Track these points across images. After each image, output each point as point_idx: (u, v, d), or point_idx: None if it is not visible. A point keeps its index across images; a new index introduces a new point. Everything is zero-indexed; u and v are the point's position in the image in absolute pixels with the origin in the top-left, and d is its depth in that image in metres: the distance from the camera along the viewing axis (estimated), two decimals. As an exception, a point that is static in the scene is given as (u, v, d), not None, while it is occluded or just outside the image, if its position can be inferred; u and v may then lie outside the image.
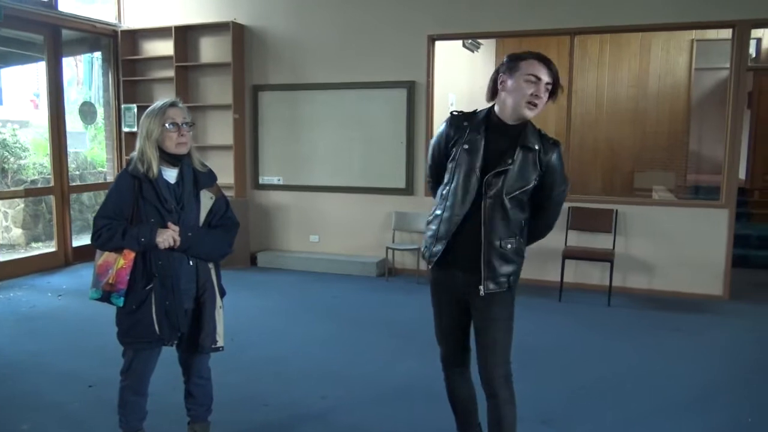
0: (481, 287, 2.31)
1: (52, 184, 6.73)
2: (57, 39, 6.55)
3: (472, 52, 7.90)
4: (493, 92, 2.35)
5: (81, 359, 3.93)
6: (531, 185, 2.31)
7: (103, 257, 2.51)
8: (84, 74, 8.33)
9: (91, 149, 8.66)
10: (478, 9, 5.98)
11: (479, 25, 6.04)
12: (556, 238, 5.86)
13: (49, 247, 7.05)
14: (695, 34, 7.90)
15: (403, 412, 3.30)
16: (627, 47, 8.28)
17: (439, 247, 2.40)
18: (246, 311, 5.21)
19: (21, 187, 7.30)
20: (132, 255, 2.46)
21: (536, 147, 2.30)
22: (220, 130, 6.97)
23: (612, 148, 8.49)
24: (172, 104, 2.53)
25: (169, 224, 2.47)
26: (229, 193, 6.84)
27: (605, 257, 5.49)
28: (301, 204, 6.86)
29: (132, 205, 2.50)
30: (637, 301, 5.51)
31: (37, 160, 8.11)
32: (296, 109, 6.76)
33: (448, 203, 2.37)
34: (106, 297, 2.49)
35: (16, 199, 7.55)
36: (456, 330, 2.53)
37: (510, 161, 2.28)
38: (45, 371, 3.81)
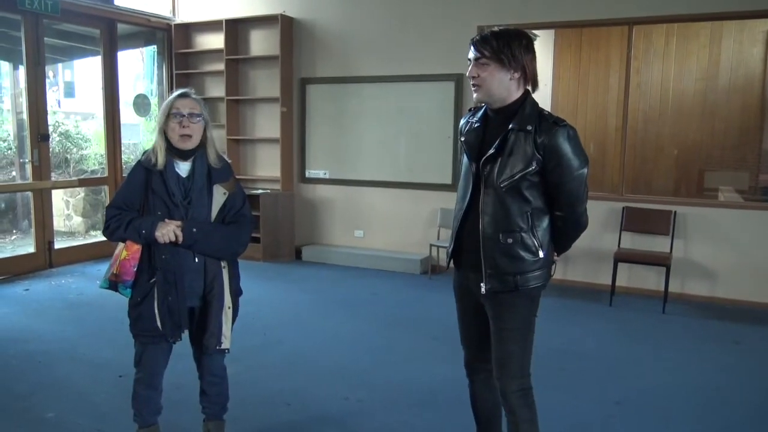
0: (482, 284, 2.14)
1: (107, 174, 6.92)
2: (113, 33, 6.70)
3: (528, 43, 7.59)
4: None
5: (115, 349, 3.96)
6: (527, 171, 2.08)
7: (117, 248, 2.50)
8: (146, 67, 8.55)
9: (149, 141, 8.89)
10: (530, -2, 5.73)
11: (531, 15, 5.78)
12: (608, 239, 5.57)
13: (105, 236, 7.25)
14: (772, 23, 7.34)
15: (425, 420, 3.15)
16: (695, 38, 7.77)
17: (452, 247, 2.29)
18: (283, 306, 5.18)
19: (76, 178, 7.52)
20: (135, 247, 2.42)
21: (529, 128, 2.08)
22: (267, 123, 6.99)
23: (678, 145, 8.02)
24: (182, 95, 2.48)
25: (167, 220, 2.41)
26: (275, 187, 6.88)
27: (661, 261, 5.16)
28: (346, 198, 6.79)
29: (142, 196, 2.47)
30: (696, 310, 5.15)
31: (98, 151, 8.38)
32: (343, 102, 6.69)
33: (457, 198, 2.27)
34: (114, 287, 2.48)
35: (78, 189, 7.82)
36: (476, 335, 2.38)
37: (496, 145, 2.10)
38: (79, 359, 3.87)
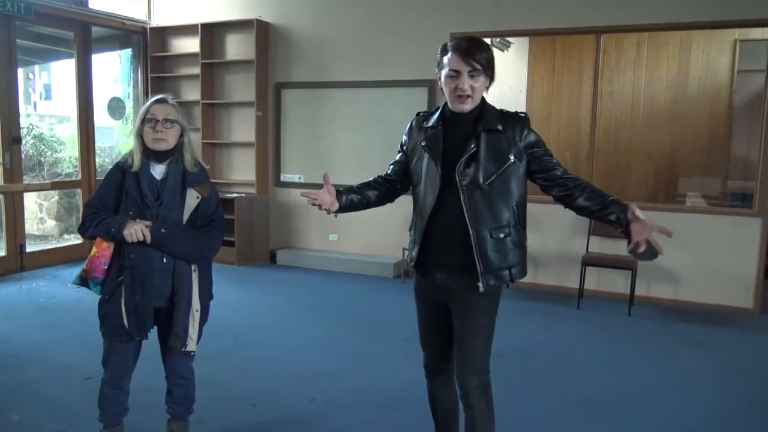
0: (480, 284, 2.19)
1: (80, 177, 6.88)
2: (87, 36, 6.69)
3: (502, 51, 7.70)
4: None
5: (84, 352, 3.96)
6: (508, 164, 2.18)
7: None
8: (122, 71, 8.52)
9: (125, 144, 8.85)
10: (502, 7, 5.84)
11: (503, 23, 5.89)
12: (577, 244, 5.68)
13: (80, 239, 7.20)
14: (738, 33, 7.53)
15: (390, 419, 3.21)
16: (665, 47, 7.95)
17: (416, 250, 2.34)
18: (256, 309, 5.20)
19: (50, 181, 7.46)
20: (105, 245, 2.48)
21: (499, 127, 2.19)
22: (243, 127, 7.01)
23: (649, 151, 8.18)
24: (158, 100, 2.55)
25: (137, 219, 2.45)
26: (250, 190, 6.90)
27: (627, 265, 5.26)
28: (321, 202, 6.81)
29: (117, 197, 2.53)
30: (660, 312, 5.27)
31: (72, 154, 8.33)
32: (318, 107, 6.74)
33: (418, 204, 2.31)
34: (85, 284, 2.53)
35: (51, 192, 7.76)
36: (438, 336, 2.43)
37: (473, 146, 2.18)
38: (46, 362, 3.86)
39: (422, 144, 2.29)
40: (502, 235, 2.20)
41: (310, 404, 3.35)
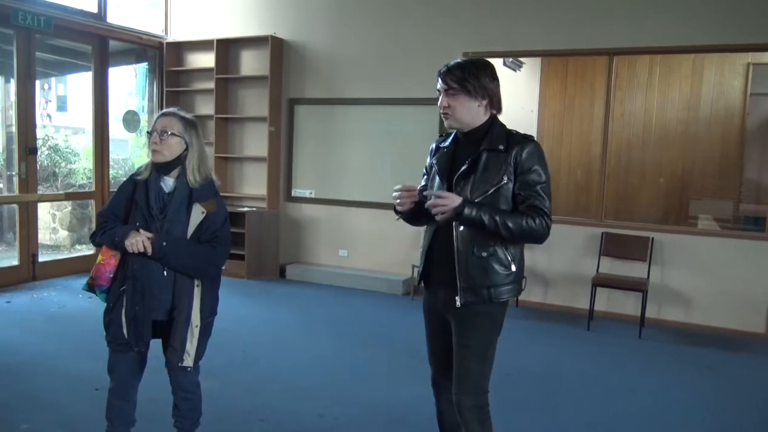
0: (458, 298, 2.21)
1: (93, 189, 6.95)
2: (104, 49, 6.79)
3: (514, 71, 7.75)
4: None
5: (94, 362, 3.94)
6: (499, 185, 2.18)
7: None
8: (138, 84, 8.63)
9: (140, 156, 8.93)
10: (515, 27, 5.88)
11: (516, 43, 5.93)
12: (587, 264, 5.65)
13: (92, 250, 7.26)
14: (752, 57, 7.54)
15: (399, 437, 3.19)
16: (678, 69, 7.96)
17: (422, 266, 2.37)
18: (265, 324, 5.21)
19: (63, 192, 7.54)
20: (109, 253, 2.51)
21: (501, 147, 2.20)
22: (255, 141, 7.07)
23: (662, 173, 8.16)
24: (164, 114, 2.59)
25: (141, 231, 2.47)
26: (261, 205, 6.94)
27: (638, 287, 5.24)
28: (331, 218, 6.86)
29: (126, 207, 2.57)
30: (671, 335, 5.22)
31: (86, 166, 8.41)
32: (330, 123, 6.79)
33: (428, 220, 2.34)
34: (92, 290, 2.58)
35: (64, 202, 7.83)
36: (443, 352, 2.44)
37: (467, 162, 2.22)
38: (57, 372, 3.88)
39: (434, 163, 2.37)
40: (485, 254, 2.20)
41: (318, 420, 3.34)
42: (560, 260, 5.79)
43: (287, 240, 7.06)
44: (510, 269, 2.24)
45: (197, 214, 2.56)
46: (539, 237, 2.19)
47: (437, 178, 2.33)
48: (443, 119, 2.30)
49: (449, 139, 2.38)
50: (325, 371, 4.11)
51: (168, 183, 2.57)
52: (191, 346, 2.56)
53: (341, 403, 3.57)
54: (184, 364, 2.57)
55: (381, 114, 6.52)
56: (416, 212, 2.33)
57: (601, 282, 5.33)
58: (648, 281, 5.34)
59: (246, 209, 6.80)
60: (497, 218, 2.13)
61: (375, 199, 6.59)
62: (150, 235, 2.47)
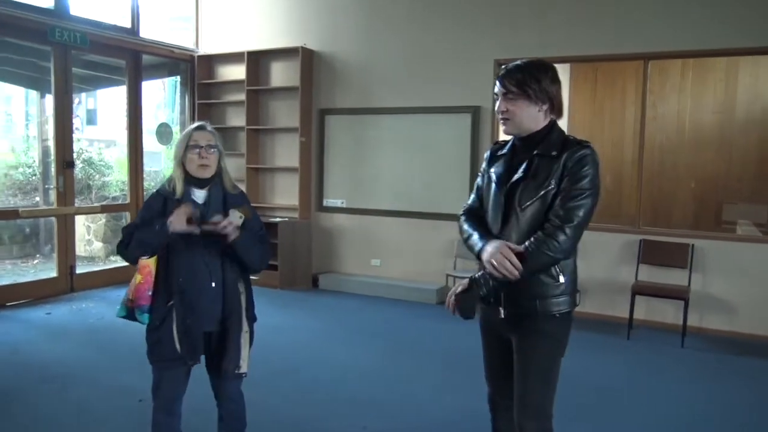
0: (501, 308, 2.14)
1: (128, 201, 7.04)
2: (138, 63, 6.89)
3: (544, 76, 7.68)
4: None
5: (135, 374, 3.98)
6: (547, 190, 2.07)
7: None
8: (168, 97, 8.75)
9: (170, 168, 9.04)
10: (546, 34, 5.83)
11: (547, 50, 5.85)
12: (625, 272, 5.56)
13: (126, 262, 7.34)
14: (788, 58, 7.37)
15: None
16: (712, 72, 7.82)
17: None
18: (300, 334, 5.21)
19: (98, 204, 7.65)
20: (147, 269, 2.48)
21: (554, 153, 2.10)
22: (287, 152, 7.10)
23: (695, 177, 8.01)
24: (198, 127, 2.57)
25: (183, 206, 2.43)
26: (293, 215, 6.97)
27: (679, 294, 5.13)
28: (363, 227, 6.85)
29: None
30: (715, 344, 5.10)
31: (120, 178, 8.54)
32: (361, 133, 6.80)
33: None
34: (131, 314, 2.52)
35: (99, 215, 7.95)
36: (499, 369, 2.34)
37: (521, 170, 2.13)
38: (98, 384, 3.92)
39: (491, 171, 2.26)
40: None
41: (361, 432, 3.32)
42: (596, 267, 5.69)
43: (319, 250, 7.07)
44: (558, 280, 2.12)
45: (235, 218, 2.56)
46: (554, 262, 2.08)
47: (493, 186, 2.23)
48: (501, 124, 2.19)
49: (507, 147, 2.28)
50: (365, 382, 4.09)
51: (199, 195, 2.56)
52: (245, 353, 2.58)
53: (382, 414, 3.55)
54: (240, 371, 2.57)
55: (411, 123, 6.51)
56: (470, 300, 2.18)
57: (641, 290, 5.23)
58: (689, 289, 5.23)
59: (278, 219, 6.83)
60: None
61: (406, 207, 6.57)
62: (188, 205, 2.43)
